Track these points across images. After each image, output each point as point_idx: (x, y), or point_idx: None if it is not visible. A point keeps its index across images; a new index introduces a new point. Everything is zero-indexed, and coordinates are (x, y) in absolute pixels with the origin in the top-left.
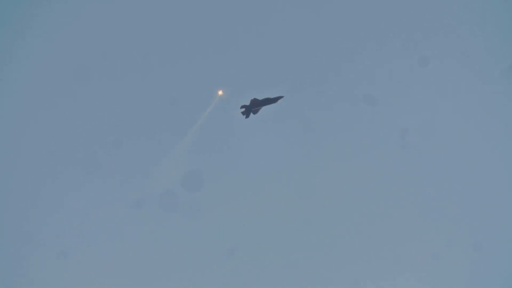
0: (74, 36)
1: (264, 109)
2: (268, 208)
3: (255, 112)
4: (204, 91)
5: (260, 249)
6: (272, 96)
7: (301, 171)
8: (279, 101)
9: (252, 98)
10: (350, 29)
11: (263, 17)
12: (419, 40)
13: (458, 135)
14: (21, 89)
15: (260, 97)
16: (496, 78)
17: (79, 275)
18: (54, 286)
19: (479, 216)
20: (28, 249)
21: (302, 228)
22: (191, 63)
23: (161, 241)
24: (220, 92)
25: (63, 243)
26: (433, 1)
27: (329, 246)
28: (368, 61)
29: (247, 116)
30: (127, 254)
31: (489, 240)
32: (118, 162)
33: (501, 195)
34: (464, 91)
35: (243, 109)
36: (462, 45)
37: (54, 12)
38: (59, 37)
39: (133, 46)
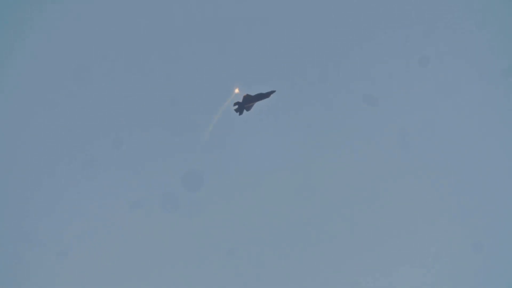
0: (74, 35)
1: (261, 106)
2: (268, 207)
3: (248, 109)
4: (203, 89)
5: (260, 249)
6: (264, 91)
7: (300, 170)
8: (272, 95)
9: (245, 94)
10: (350, 28)
11: (261, 14)
12: (419, 40)
13: (458, 135)
14: (21, 88)
15: (253, 92)
16: (496, 77)
17: (78, 275)
18: (54, 286)
19: (479, 216)
20: (26, 249)
21: (301, 227)
22: (188, 62)
23: (161, 241)
24: (237, 90)
25: (62, 243)
26: (433, 0)
27: (329, 245)
28: (367, 60)
29: (241, 113)
30: (126, 254)
31: (489, 240)
32: (118, 162)
33: (501, 195)
34: (465, 90)
35: (236, 106)
36: (462, 45)
37: (54, 12)
38: (58, 37)
39: (131, 45)
